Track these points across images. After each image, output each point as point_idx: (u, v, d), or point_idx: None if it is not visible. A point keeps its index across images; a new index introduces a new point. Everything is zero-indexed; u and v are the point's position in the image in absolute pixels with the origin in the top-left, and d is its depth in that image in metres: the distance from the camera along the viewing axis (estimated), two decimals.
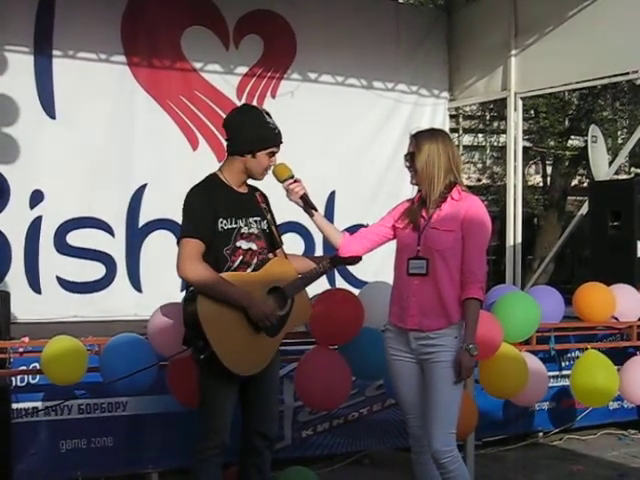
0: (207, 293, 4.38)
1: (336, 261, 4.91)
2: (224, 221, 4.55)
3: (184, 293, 4.67)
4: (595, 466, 7.03)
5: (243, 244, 4.60)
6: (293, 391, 6.28)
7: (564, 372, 7.45)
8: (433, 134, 4.72)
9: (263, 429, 4.75)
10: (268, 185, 4.83)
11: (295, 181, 4.73)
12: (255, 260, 4.64)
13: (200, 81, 9.21)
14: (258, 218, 4.72)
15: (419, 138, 4.65)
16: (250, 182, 4.80)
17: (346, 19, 9.83)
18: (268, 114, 4.73)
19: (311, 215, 4.81)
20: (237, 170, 4.66)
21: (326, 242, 5.00)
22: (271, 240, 4.78)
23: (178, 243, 4.52)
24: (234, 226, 4.58)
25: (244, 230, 4.62)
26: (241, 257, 4.58)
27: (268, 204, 4.86)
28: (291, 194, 4.74)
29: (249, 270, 4.60)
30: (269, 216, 4.80)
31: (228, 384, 4.53)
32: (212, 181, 4.66)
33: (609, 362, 6.58)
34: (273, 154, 4.66)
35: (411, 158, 4.63)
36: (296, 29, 9.62)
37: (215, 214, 4.52)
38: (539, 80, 9.47)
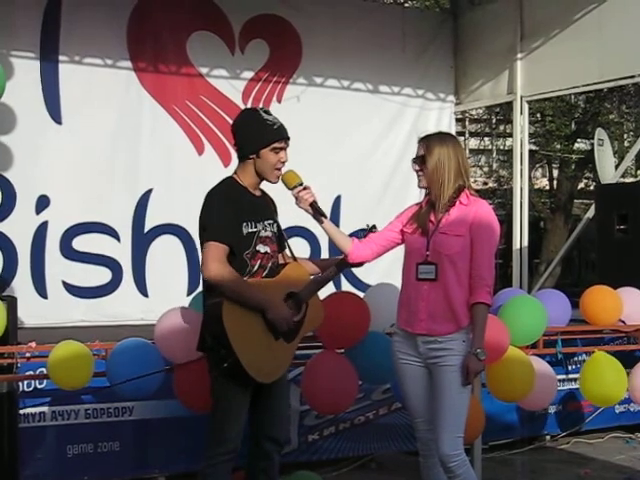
0: (229, 295, 4.37)
1: (343, 265, 4.90)
2: (247, 225, 4.54)
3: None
4: (602, 469, 7.02)
5: (262, 248, 4.60)
6: (299, 395, 6.28)
7: (571, 375, 7.44)
8: (443, 137, 4.73)
9: (274, 434, 4.74)
10: (274, 188, 4.82)
11: (304, 188, 4.72)
12: (270, 264, 4.65)
13: (206, 86, 9.21)
14: (271, 221, 4.72)
15: (429, 141, 4.64)
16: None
17: (352, 23, 9.82)
18: (267, 112, 4.72)
19: (320, 222, 4.79)
20: (250, 174, 4.65)
21: (332, 246, 5.00)
22: (280, 243, 4.79)
23: (202, 246, 4.52)
24: (254, 230, 4.57)
25: (262, 233, 4.61)
26: (259, 261, 4.58)
27: (275, 208, 4.87)
28: (300, 202, 4.71)
29: (265, 273, 4.61)
30: (277, 219, 4.80)
31: (243, 391, 4.52)
32: (230, 184, 4.64)
33: (617, 362, 6.56)
34: (279, 150, 4.62)
35: (421, 161, 4.62)
36: (302, 33, 9.61)
37: (240, 218, 4.52)
38: (545, 83, 9.46)
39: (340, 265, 4.89)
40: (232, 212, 4.49)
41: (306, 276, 4.75)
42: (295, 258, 4.84)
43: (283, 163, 4.64)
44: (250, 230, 4.55)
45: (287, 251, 4.85)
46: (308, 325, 4.73)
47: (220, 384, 4.54)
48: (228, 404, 4.54)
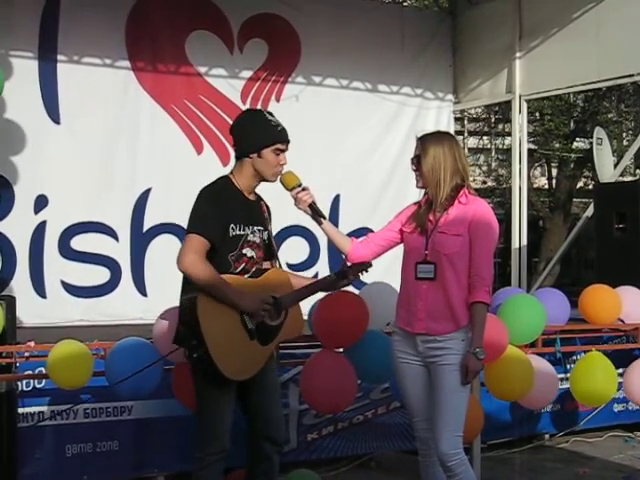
0: (203, 288, 4.37)
1: (342, 274, 4.88)
2: (234, 227, 4.54)
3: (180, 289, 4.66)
4: (601, 468, 7.02)
5: (248, 251, 4.59)
6: (298, 394, 6.28)
7: (570, 375, 7.43)
8: (439, 137, 4.73)
9: (271, 434, 4.73)
10: (271, 188, 4.82)
11: (303, 189, 4.73)
12: (253, 269, 4.64)
13: (204, 85, 9.21)
14: (261, 228, 4.71)
15: (425, 141, 4.65)
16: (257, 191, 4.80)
17: (350, 22, 9.83)
18: (270, 113, 4.74)
19: (319, 223, 4.81)
20: (248, 174, 4.64)
21: (331, 246, 5.00)
22: (268, 251, 4.79)
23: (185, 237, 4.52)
24: (242, 233, 4.57)
25: (250, 238, 4.61)
26: (244, 264, 4.58)
27: (270, 215, 4.86)
28: (299, 203, 4.73)
29: (247, 276, 4.60)
30: (270, 227, 4.80)
31: (226, 389, 4.51)
32: (224, 185, 4.64)
33: (608, 362, 6.56)
34: (280, 151, 4.62)
35: (417, 161, 4.63)
36: (300, 32, 9.61)
37: (227, 219, 4.51)
38: (544, 82, 9.46)
39: (340, 274, 4.87)
40: (219, 211, 4.49)
41: (288, 283, 4.74)
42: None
43: (282, 166, 4.65)
44: (237, 233, 4.54)
45: (277, 263, 4.84)
46: (285, 332, 4.71)
47: (201, 384, 4.56)
48: (211, 403, 4.54)
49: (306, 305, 4.99)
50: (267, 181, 4.68)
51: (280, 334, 4.67)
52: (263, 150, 4.59)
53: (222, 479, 4.66)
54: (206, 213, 4.48)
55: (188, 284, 4.50)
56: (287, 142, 4.67)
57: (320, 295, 5.19)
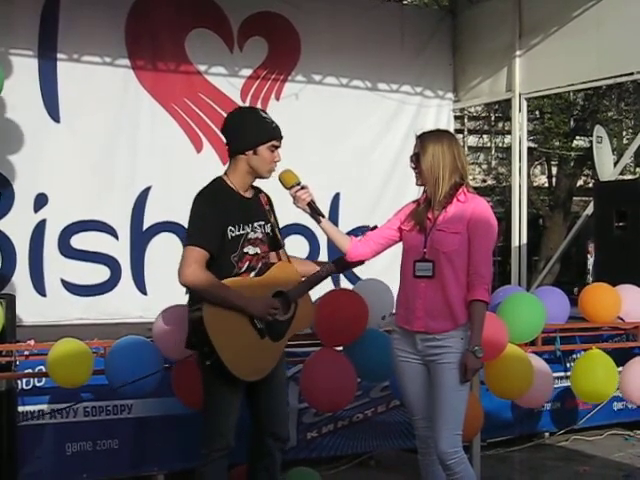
0: (206, 297, 4.38)
1: (341, 264, 4.90)
2: (233, 228, 4.53)
3: (187, 297, 4.66)
4: (601, 467, 7.02)
5: (250, 249, 4.59)
6: (298, 393, 6.28)
7: (569, 373, 7.43)
8: (438, 135, 4.73)
9: (277, 431, 4.75)
10: (272, 187, 4.82)
11: (302, 188, 4.73)
12: (259, 264, 4.64)
13: (204, 84, 9.21)
14: (262, 222, 4.71)
15: (424, 139, 4.65)
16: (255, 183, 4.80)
17: (350, 20, 9.83)
18: (263, 111, 4.79)
19: (318, 222, 4.81)
20: (242, 171, 4.64)
21: (331, 245, 5.00)
22: (273, 243, 4.78)
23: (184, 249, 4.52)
24: (242, 232, 4.56)
25: (251, 235, 4.61)
26: (248, 262, 4.58)
27: (272, 205, 4.85)
28: (298, 201, 4.73)
29: (253, 274, 4.60)
30: (272, 219, 4.79)
31: (234, 386, 4.53)
32: (219, 187, 4.63)
33: (609, 359, 6.57)
34: (275, 148, 4.64)
35: (416, 159, 4.63)
36: (300, 31, 9.61)
37: (224, 222, 4.51)
38: (544, 81, 9.46)
39: (339, 264, 4.89)
40: (216, 216, 4.49)
41: (295, 276, 4.74)
42: (289, 258, 4.83)
43: (276, 162, 4.66)
44: (237, 233, 4.54)
45: (283, 253, 4.84)
46: (297, 324, 4.73)
47: (209, 381, 4.57)
48: (218, 400, 4.56)
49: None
50: (262, 177, 4.69)
51: (292, 327, 4.69)
52: (259, 147, 4.60)
53: (226, 475, 4.67)
54: (202, 222, 4.48)
55: (193, 295, 4.51)
56: (281, 139, 4.68)
57: (320, 293, 5.19)
